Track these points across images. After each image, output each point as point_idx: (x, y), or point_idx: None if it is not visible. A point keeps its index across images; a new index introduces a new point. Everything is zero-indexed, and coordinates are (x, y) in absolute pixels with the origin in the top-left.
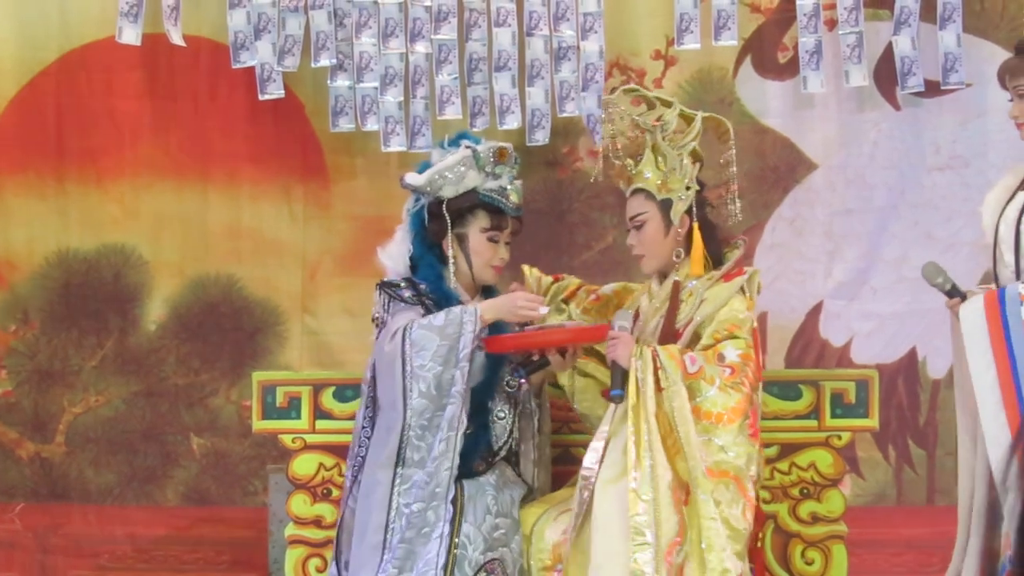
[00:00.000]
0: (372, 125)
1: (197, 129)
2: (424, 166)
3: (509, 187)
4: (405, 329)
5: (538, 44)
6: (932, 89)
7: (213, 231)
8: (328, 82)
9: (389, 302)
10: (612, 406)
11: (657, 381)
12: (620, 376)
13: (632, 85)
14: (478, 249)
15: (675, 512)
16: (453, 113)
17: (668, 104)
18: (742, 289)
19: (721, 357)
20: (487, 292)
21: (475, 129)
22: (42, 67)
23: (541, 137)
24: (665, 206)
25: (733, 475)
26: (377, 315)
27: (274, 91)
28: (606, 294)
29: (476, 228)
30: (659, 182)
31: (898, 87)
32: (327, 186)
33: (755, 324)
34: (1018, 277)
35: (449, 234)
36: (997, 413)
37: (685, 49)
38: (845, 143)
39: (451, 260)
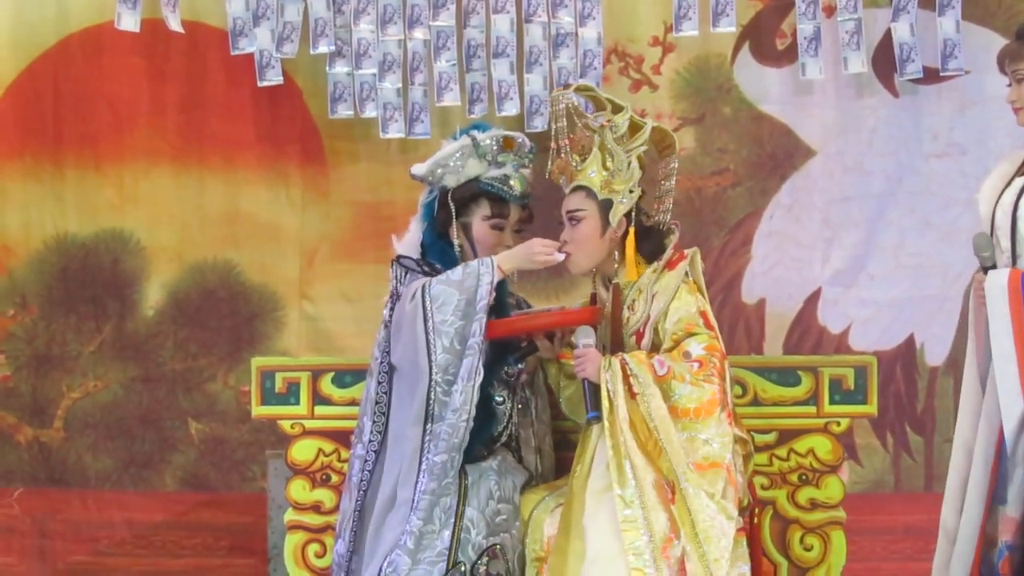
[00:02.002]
0: (371, 111)
1: (195, 115)
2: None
3: (513, 176)
4: (424, 286)
5: (536, 30)
6: (930, 76)
7: (211, 216)
8: (327, 68)
9: (406, 274)
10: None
11: (629, 388)
12: (593, 395)
13: (586, 83)
14: (482, 238)
15: (663, 510)
16: (451, 100)
17: (620, 108)
18: (687, 274)
19: (687, 355)
20: (498, 285)
21: (472, 115)
22: (40, 51)
23: (540, 123)
24: (605, 206)
25: (724, 465)
26: (392, 289)
27: (273, 77)
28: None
29: (479, 217)
30: (602, 182)
31: (896, 74)
32: (325, 172)
33: (705, 307)
34: (1014, 263)
35: (454, 223)
36: (1015, 388)
37: (683, 36)
38: (843, 130)
39: (457, 249)
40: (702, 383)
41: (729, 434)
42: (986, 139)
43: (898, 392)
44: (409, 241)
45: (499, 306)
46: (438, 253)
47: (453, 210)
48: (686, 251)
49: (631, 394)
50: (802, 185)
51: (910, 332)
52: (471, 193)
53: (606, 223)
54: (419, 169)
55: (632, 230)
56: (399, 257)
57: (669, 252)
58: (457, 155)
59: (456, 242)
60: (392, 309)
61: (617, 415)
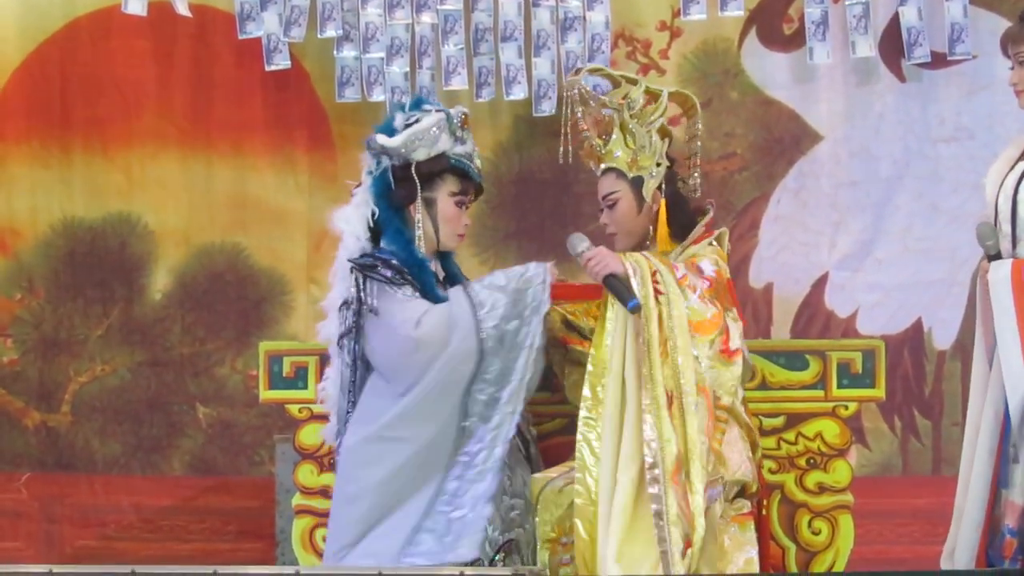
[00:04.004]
0: (378, 95)
1: (202, 99)
2: (386, 127)
3: (474, 153)
4: (469, 293)
5: (544, 14)
6: (938, 61)
7: (219, 200)
8: (334, 53)
9: (367, 282)
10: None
11: (655, 284)
12: (623, 286)
13: (597, 64)
14: (446, 214)
15: (675, 431)
16: (459, 83)
17: (634, 82)
18: (711, 244)
19: (700, 269)
20: (444, 258)
21: (480, 99)
22: (47, 35)
23: (547, 108)
24: (637, 184)
25: (705, 387)
26: (350, 297)
27: (280, 62)
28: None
29: (445, 192)
30: (629, 160)
31: (904, 58)
32: (333, 156)
33: (729, 277)
34: (1014, 247)
35: (418, 198)
36: (1020, 379)
37: (691, 20)
38: (851, 115)
39: (418, 225)
40: (707, 301)
41: (716, 361)
42: (994, 124)
43: (906, 376)
44: (354, 216)
45: (450, 277)
46: (394, 232)
47: (418, 184)
48: (714, 230)
49: (656, 291)
50: (809, 170)
51: (918, 316)
52: (440, 168)
53: (641, 200)
54: (391, 141)
55: (663, 202)
56: (358, 265)
57: (699, 229)
58: (432, 129)
59: (417, 218)
60: (357, 317)
61: (650, 315)
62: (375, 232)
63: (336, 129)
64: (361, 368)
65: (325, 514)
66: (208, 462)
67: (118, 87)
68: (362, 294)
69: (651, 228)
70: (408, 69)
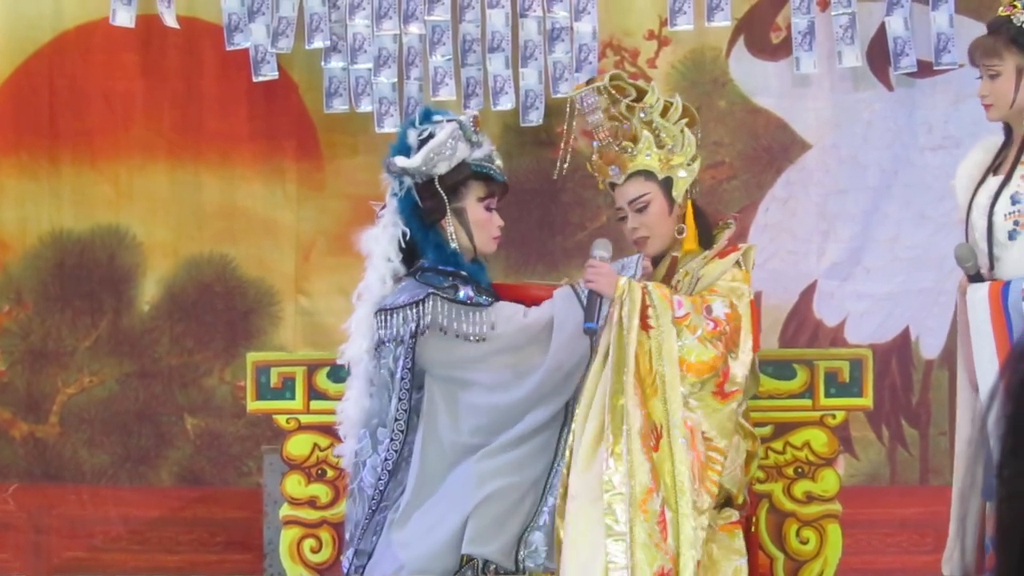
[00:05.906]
0: (366, 106)
1: (191, 110)
2: (400, 147)
3: (493, 153)
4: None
5: (531, 25)
6: (925, 69)
7: (207, 211)
8: (322, 63)
9: (454, 309)
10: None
11: (645, 319)
12: (597, 307)
13: (617, 71)
14: (479, 221)
15: (646, 459)
16: (447, 94)
17: (644, 90)
18: (737, 263)
19: (709, 309)
20: (478, 264)
21: (468, 110)
22: (35, 48)
23: (535, 118)
24: (667, 185)
25: (689, 425)
26: (439, 324)
27: (268, 72)
28: None
29: (473, 199)
30: (660, 161)
31: (891, 67)
32: (321, 166)
33: (752, 297)
34: (992, 267)
35: (448, 211)
36: None
37: (678, 30)
38: (838, 123)
39: (452, 237)
40: (708, 343)
41: (707, 400)
42: (980, 132)
43: (893, 385)
44: (384, 235)
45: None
46: (436, 249)
47: (445, 197)
48: (740, 244)
49: (644, 326)
50: (797, 178)
51: (905, 325)
52: (463, 177)
53: (671, 200)
54: (411, 161)
55: (690, 202)
56: (431, 292)
57: (723, 242)
58: (449, 140)
59: (450, 231)
60: (418, 328)
61: (627, 350)
62: (406, 252)
63: (324, 139)
64: (418, 374)
65: (313, 524)
66: (196, 473)
67: (106, 99)
68: (445, 320)
69: (684, 227)
70: (396, 80)
